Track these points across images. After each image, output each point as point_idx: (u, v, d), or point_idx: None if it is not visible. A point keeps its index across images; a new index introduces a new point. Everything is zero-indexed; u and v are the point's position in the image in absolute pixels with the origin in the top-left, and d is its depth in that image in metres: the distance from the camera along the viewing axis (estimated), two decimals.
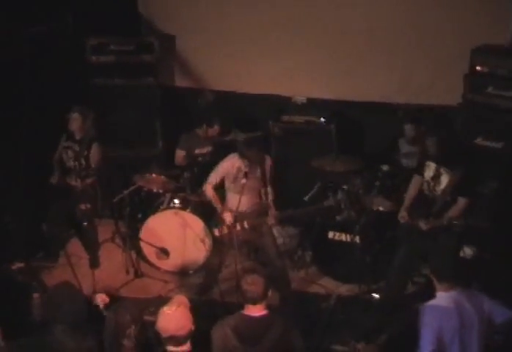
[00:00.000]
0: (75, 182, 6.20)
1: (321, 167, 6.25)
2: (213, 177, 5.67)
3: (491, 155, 5.92)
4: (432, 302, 3.99)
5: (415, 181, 5.51)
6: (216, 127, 6.63)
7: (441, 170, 5.21)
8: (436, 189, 5.28)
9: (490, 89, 5.87)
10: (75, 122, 6.22)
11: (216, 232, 5.68)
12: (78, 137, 6.29)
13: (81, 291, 5.17)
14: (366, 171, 6.26)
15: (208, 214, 6.07)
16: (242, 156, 5.54)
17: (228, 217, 5.52)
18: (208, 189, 5.67)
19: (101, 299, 4.22)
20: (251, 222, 5.64)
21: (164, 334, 3.60)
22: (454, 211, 5.17)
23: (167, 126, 7.36)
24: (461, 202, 5.15)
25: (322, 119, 6.79)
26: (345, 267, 6.03)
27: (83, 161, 6.18)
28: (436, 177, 5.26)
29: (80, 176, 6.12)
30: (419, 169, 5.44)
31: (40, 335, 3.79)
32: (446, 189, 5.18)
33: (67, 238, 6.69)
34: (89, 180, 6.24)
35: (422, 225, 5.14)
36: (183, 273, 6.31)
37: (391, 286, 5.57)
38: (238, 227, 5.57)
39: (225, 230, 5.57)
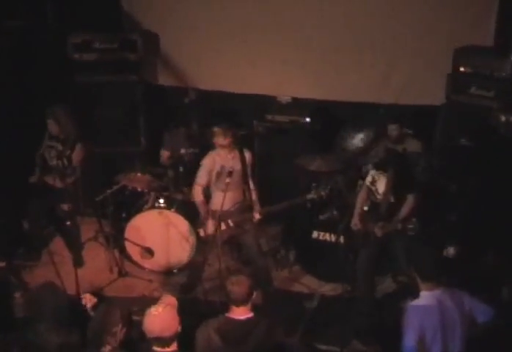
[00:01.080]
0: (53, 182, 6.20)
1: (305, 166, 6.27)
2: (201, 177, 5.63)
3: (472, 154, 5.97)
4: (415, 301, 4.02)
5: (363, 187, 5.61)
6: (195, 128, 6.59)
7: (377, 174, 5.35)
8: (378, 193, 5.38)
9: (473, 90, 5.95)
10: (52, 127, 6.18)
11: (201, 233, 5.67)
12: (61, 137, 6.25)
13: (64, 290, 5.14)
14: (349, 170, 6.29)
15: (193, 213, 6.03)
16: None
17: (210, 227, 5.51)
18: (197, 191, 5.64)
19: (88, 299, 4.22)
20: (236, 219, 5.64)
21: (150, 335, 3.59)
22: (405, 209, 5.26)
23: (150, 124, 7.36)
24: (410, 198, 5.26)
25: (307, 119, 6.80)
26: (328, 266, 6.04)
27: (65, 161, 6.16)
28: (375, 182, 5.39)
29: (60, 176, 6.09)
30: (364, 175, 5.57)
31: (24, 332, 3.82)
32: (386, 192, 5.28)
33: (50, 237, 6.67)
34: (69, 180, 6.19)
35: (377, 231, 5.23)
36: (167, 272, 6.30)
37: (359, 289, 5.56)
38: (224, 226, 5.54)
39: (210, 231, 5.53)
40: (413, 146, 5.97)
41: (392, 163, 5.24)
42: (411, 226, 5.14)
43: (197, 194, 5.64)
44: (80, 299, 4.34)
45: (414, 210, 5.29)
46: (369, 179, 5.46)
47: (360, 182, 5.61)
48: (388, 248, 5.37)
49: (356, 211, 5.56)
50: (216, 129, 5.54)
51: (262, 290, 5.56)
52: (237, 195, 5.66)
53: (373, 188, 5.43)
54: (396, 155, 5.42)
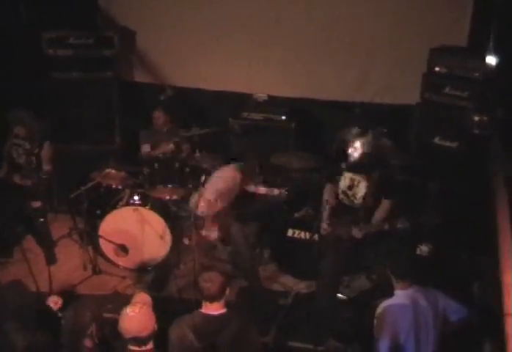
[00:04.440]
0: (21, 181, 6.10)
1: (280, 164, 6.24)
2: None
3: (447, 154, 6.03)
4: (389, 301, 4.05)
5: (328, 190, 5.49)
6: (159, 114, 6.55)
7: (357, 178, 5.22)
8: (356, 198, 5.28)
9: (447, 89, 5.97)
10: (19, 131, 6.11)
11: (186, 241, 5.59)
12: (28, 136, 6.17)
13: (37, 288, 5.16)
14: (325, 169, 6.19)
15: (168, 211, 6.07)
16: None
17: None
18: None
19: (53, 301, 4.14)
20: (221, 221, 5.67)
21: (127, 335, 3.54)
22: (379, 214, 5.17)
23: (126, 122, 7.30)
24: (385, 203, 5.16)
25: (283, 117, 6.79)
26: (303, 264, 5.96)
27: (34, 160, 6.13)
28: (354, 186, 5.26)
29: (30, 177, 6.05)
30: (331, 178, 5.43)
31: None
32: (366, 196, 5.20)
33: (23, 234, 6.47)
34: (36, 179, 6.11)
35: (356, 233, 5.10)
36: (141, 270, 6.20)
37: (320, 290, 5.39)
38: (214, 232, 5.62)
39: (195, 237, 5.42)
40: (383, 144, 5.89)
41: (377, 167, 5.16)
42: (400, 225, 4.99)
43: None
44: (47, 300, 4.25)
45: (388, 213, 5.19)
46: (345, 183, 5.31)
47: (330, 186, 5.45)
48: (366, 250, 5.21)
49: (325, 216, 5.36)
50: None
51: (249, 283, 5.64)
52: None
53: (350, 193, 5.30)
54: (382, 158, 5.32)
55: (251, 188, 5.94)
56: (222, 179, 5.72)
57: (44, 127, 6.20)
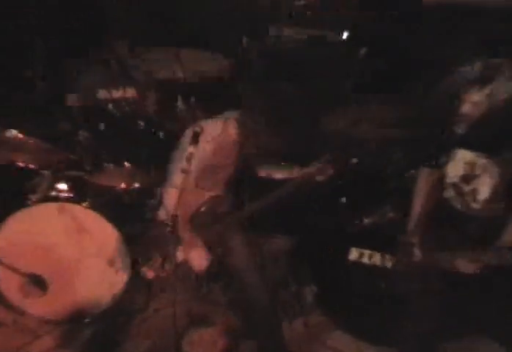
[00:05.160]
0: None
1: (334, 129, 5.71)
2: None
3: None
4: None
5: (426, 180, 5.30)
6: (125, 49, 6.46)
7: (481, 161, 5.00)
8: (475, 198, 5.02)
9: None
10: None
11: (148, 274, 5.42)
12: None
13: None
14: (419, 142, 5.72)
15: (124, 211, 5.79)
16: None
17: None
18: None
19: None
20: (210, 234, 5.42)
21: None
22: None
23: (53, 46, 6.88)
24: None
25: (343, 35, 6.36)
26: (375, 315, 5.51)
27: None
28: (473, 178, 5.02)
29: None
30: (433, 158, 5.26)
31: None
32: (493, 197, 4.96)
33: None
34: None
35: (465, 266, 5.02)
36: (71, 321, 5.69)
37: None
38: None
39: (162, 268, 5.35)
40: None
41: None
42: None
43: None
44: None
45: None
46: (459, 170, 5.02)
47: (429, 172, 5.27)
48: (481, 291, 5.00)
49: (411, 225, 5.24)
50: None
51: (262, 348, 5.42)
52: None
53: (466, 189, 4.96)
54: None
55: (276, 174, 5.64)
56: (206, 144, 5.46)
57: None
